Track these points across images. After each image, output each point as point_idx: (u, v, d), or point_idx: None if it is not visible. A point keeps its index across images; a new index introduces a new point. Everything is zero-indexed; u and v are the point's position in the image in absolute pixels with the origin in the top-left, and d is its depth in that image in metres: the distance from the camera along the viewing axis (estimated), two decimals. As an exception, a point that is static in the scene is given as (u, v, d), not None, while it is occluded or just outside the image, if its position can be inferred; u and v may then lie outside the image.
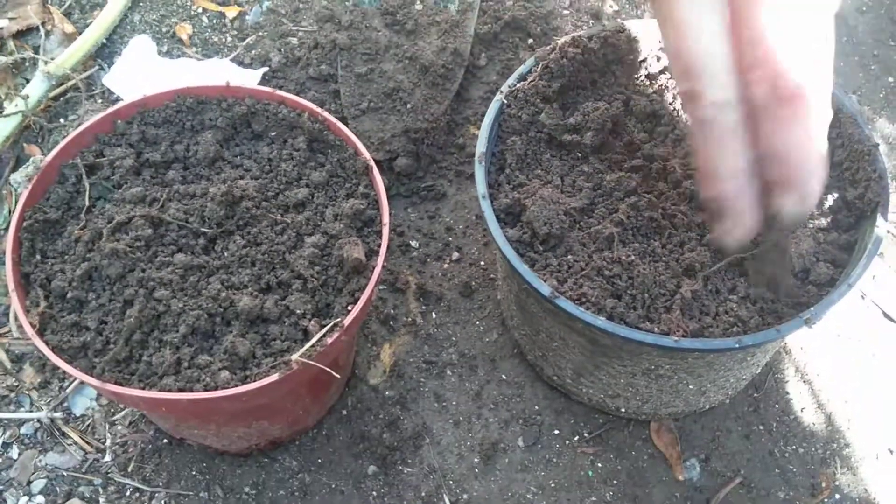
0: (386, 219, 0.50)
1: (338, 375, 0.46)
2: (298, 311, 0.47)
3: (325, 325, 0.47)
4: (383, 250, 0.49)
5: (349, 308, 0.47)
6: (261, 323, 0.47)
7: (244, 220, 0.50)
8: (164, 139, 0.54)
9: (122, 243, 0.47)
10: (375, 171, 0.52)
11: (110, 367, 0.45)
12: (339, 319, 0.46)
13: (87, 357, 0.46)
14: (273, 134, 0.55)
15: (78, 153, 0.52)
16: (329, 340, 0.45)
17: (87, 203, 0.50)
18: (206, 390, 0.44)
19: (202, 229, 0.49)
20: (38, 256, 0.49)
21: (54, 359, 0.44)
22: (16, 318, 0.62)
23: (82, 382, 0.61)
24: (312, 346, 0.45)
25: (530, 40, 0.81)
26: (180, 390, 0.44)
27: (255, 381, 0.44)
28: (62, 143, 0.51)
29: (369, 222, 0.52)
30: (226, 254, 0.49)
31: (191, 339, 0.46)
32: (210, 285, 0.47)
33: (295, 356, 0.44)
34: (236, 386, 0.44)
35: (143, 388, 0.44)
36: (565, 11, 0.84)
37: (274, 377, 0.44)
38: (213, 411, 0.48)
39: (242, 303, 0.46)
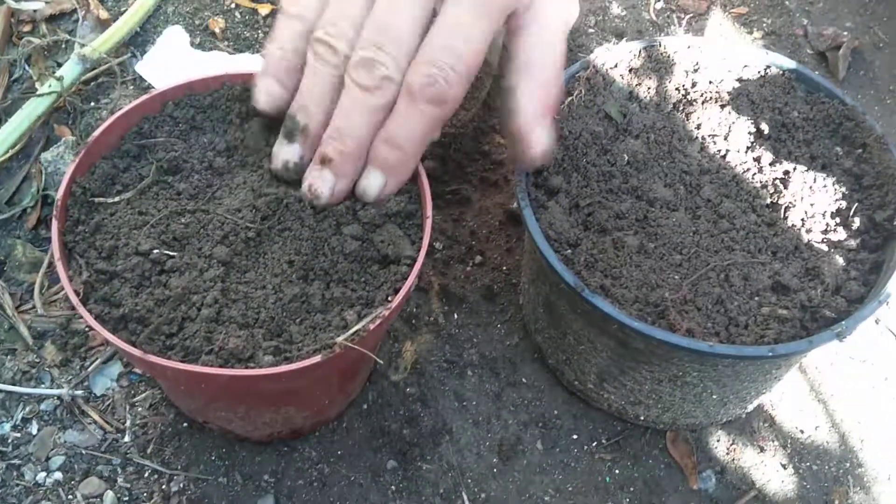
0: (429, 212, 0.51)
1: (380, 361, 0.47)
2: (340, 300, 0.48)
3: (364, 315, 0.47)
4: (425, 242, 0.50)
5: (389, 299, 0.48)
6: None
7: (290, 210, 0.50)
8: (208, 127, 0.54)
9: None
10: (420, 166, 0.53)
11: (152, 339, 0.45)
12: (382, 307, 0.47)
13: (128, 329, 0.46)
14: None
15: (126, 131, 0.52)
16: (372, 326, 0.46)
17: (151, 181, 0.51)
18: (246, 368, 0.44)
19: (248, 224, 0.49)
20: (82, 228, 0.49)
21: (98, 328, 0.44)
22: (41, 294, 0.62)
23: (104, 362, 0.61)
24: (356, 331, 0.46)
25: (557, 55, 0.82)
26: (221, 367, 0.44)
27: (296, 362, 0.45)
28: (110, 120, 0.52)
29: (410, 215, 0.52)
30: (274, 246, 0.49)
31: None
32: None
33: (340, 339, 0.45)
34: (277, 365, 0.44)
35: (185, 362, 0.44)
36: (591, 30, 0.85)
37: (317, 359, 0.44)
38: (249, 391, 0.48)
39: (287, 292, 0.47)
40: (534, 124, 0.49)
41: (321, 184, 0.47)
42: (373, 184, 0.48)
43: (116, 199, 0.50)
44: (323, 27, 0.46)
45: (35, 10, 0.79)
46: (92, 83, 0.74)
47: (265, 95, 0.49)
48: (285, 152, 0.48)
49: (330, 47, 0.46)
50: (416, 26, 0.45)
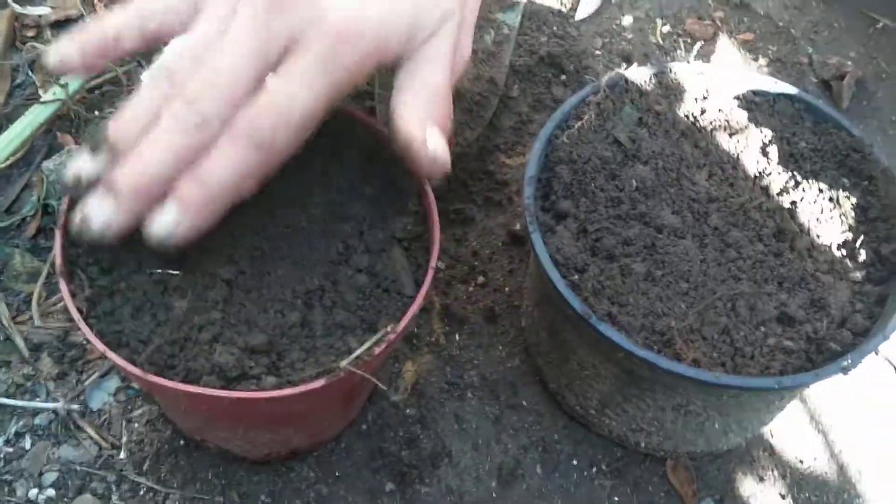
0: (437, 236, 0.50)
1: (383, 386, 0.46)
2: (344, 325, 0.47)
3: (366, 340, 0.46)
4: (434, 261, 0.49)
5: (392, 326, 0.47)
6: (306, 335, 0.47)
7: (300, 233, 0.50)
8: None
9: None
10: (428, 187, 0.52)
11: (153, 358, 0.44)
12: (387, 329, 0.46)
13: (129, 346, 0.45)
14: (325, 142, 0.55)
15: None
16: (377, 351, 0.45)
17: None
18: (248, 390, 0.44)
19: (255, 244, 0.49)
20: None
21: (98, 345, 0.44)
22: (39, 305, 0.61)
23: (101, 376, 0.60)
24: (359, 355, 0.45)
25: (563, 76, 0.82)
26: (222, 388, 0.44)
27: (299, 385, 0.44)
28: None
29: (417, 237, 0.52)
30: (279, 269, 0.49)
31: None
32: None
33: (343, 363, 0.44)
34: (279, 388, 0.44)
35: (186, 383, 0.44)
36: (597, 52, 0.86)
37: (320, 382, 0.44)
38: (250, 413, 0.47)
39: (289, 316, 0.47)
40: (419, 127, 0.46)
41: (98, 214, 0.42)
42: (164, 220, 0.42)
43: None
44: (167, 55, 0.44)
45: (40, 16, 0.78)
46: (96, 91, 0.74)
47: (60, 57, 0.45)
48: (84, 165, 0.43)
49: (169, 75, 0.43)
50: (250, 77, 0.42)
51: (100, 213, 0.42)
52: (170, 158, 0.42)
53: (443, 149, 0.47)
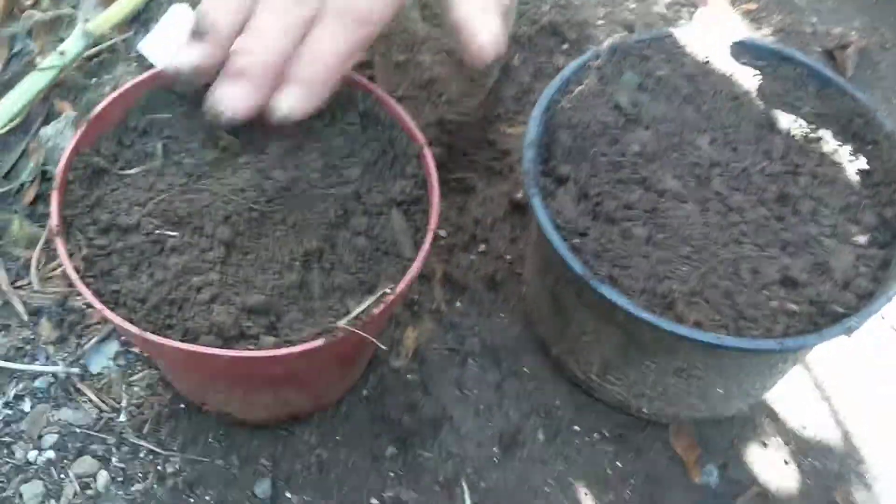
0: (436, 199, 0.50)
1: (383, 346, 0.46)
2: (342, 287, 0.47)
3: (365, 301, 0.46)
4: (433, 223, 0.49)
5: (391, 287, 0.47)
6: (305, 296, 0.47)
7: (297, 196, 0.49)
8: None
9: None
10: (427, 152, 0.52)
11: (150, 318, 0.44)
12: (385, 290, 0.46)
13: (127, 306, 0.45)
14: (324, 106, 0.55)
15: (132, 106, 0.51)
16: (376, 311, 0.45)
17: (154, 157, 0.49)
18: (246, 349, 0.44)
19: (251, 205, 0.48)
20: (82, 203, 0.48)
21: (97, 304, 0.43)
22: (37, 270, 0.61)
23: (101, 340, 0.60)
24: (358, 315, 0.45)
25: (565, 45, 0.81)
26: (220, 347, 0.44)
27: (297, 345, 0.44)
28: (115, 93, 0.51)
29: (416, 201, 0.52)
30: (277, 230, 0.48)
31: None
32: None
33: (341, 323, 0.44)
34: (277, 347, 0.44)
35: (183, 342, 0.44)
36: (600, 21, 0.85)
37: (318, 342, 0.44)
38: (248, 373, 0.47)
39: (287, 277, 0.46)
40: (476, 11, 0.45)
41: (233, 98, 0.44)
42: (287, 99, 0.45)
43: (120, 173, 0.49)
44: None
45: (38, -16, 0.78)
46: (94, 59, 0.73)
47: None
48: (194, 53, 0.45)
49: None
50: None
51: (235, 97, 0.44)
52: (283, 36, 0.44)
53: (495, 33, 0.46)
